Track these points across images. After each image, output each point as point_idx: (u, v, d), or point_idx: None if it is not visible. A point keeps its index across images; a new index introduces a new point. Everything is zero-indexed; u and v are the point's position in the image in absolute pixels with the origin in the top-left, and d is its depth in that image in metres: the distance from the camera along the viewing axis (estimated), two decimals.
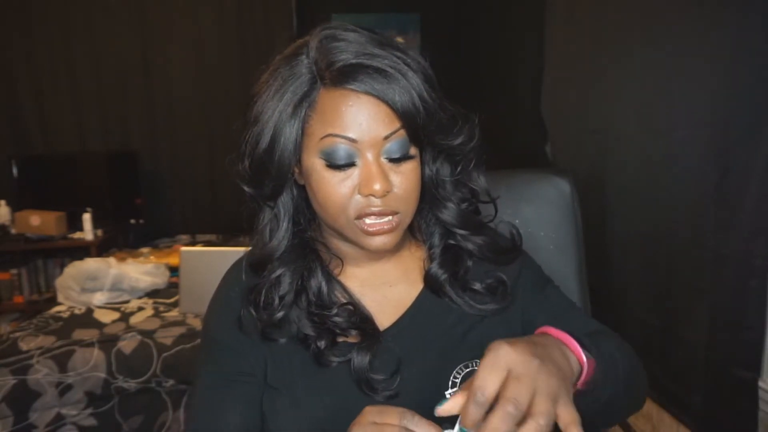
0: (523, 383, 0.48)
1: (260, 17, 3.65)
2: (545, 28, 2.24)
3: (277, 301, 0.71)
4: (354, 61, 0.62)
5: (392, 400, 0.68)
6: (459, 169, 0.73)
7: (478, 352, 0.70)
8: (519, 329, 0.75)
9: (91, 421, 1.90)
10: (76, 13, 3.48)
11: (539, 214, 0.97)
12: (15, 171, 3.35)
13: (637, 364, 0.72)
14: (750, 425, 1.21)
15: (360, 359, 0.68)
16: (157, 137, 3.67)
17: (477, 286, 0.74)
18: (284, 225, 0.72)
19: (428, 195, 0.74)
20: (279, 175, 0.67)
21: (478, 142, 0.71)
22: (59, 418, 1.88)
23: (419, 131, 0.65)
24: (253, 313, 0.72)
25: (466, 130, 0.70)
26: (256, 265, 0.73)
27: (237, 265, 0.78)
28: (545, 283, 0.80)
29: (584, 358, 0.57)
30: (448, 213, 0.74)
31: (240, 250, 0.82)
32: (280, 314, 0.71)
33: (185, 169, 3.70)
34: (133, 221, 3.49)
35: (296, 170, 0.70)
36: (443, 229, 0.76)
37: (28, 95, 3.51)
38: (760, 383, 1.21)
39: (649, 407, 1.58)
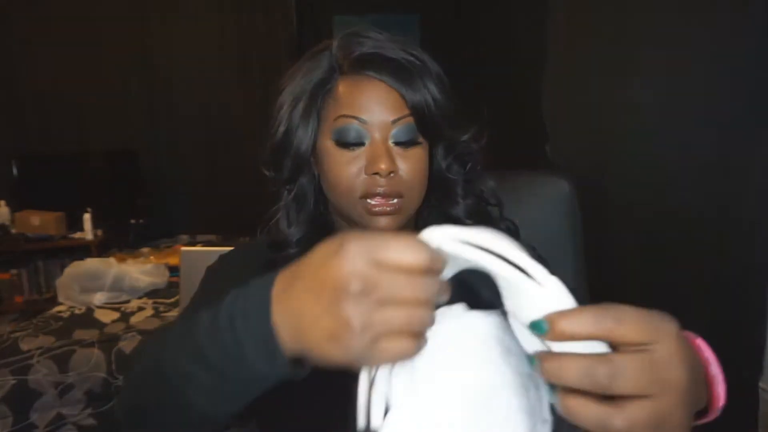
0: (642, 366, 0.35)
1: (260, 17, 3.65)
2: (546, 28, 2.24)
3: None
4: (371, 51, 0.68)
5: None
6: (468, 167, 0.76)
7: None
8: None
9: (91, 421, 1.90)
10: (76, 13, 3.48)
11: (539, 214, 0.97)
12: (15, 171, 3.35)
13: None
14: (750, 425, 1.21)
15: None
16: (158, 137, 3.68)
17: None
18: (304, 210, 0.74)
19: (438, 190, 0.76)
20: (296, 158, 0.71)
21: (485, 140, 0.75)
22: (59, 418, 1.88)
23: (426, 120, 0.68)
24: None
25: (473, 127, 0.74)
26: (274, 247, 0.74)
27: (260, 238, 0.78)
28: None
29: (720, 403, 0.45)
30: (459, 209, 0.76)
31: None
32: None
33: (185, 168, 3.70)
34: (133, 221, 3.49)
35: (313, 159, 0.72)
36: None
37: (28, 95, 3.51)
38: (760, 383, 1.21)
39: None
